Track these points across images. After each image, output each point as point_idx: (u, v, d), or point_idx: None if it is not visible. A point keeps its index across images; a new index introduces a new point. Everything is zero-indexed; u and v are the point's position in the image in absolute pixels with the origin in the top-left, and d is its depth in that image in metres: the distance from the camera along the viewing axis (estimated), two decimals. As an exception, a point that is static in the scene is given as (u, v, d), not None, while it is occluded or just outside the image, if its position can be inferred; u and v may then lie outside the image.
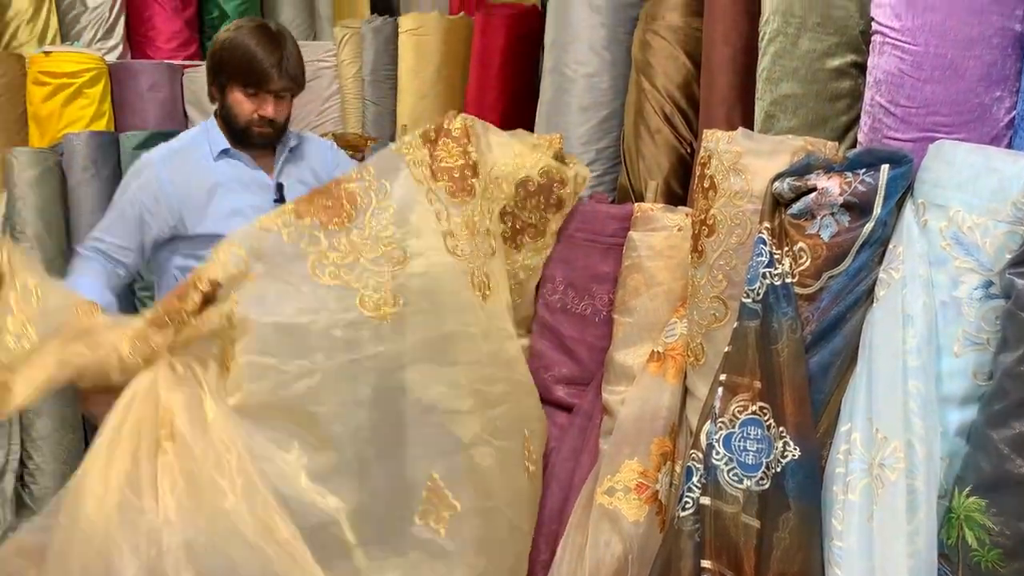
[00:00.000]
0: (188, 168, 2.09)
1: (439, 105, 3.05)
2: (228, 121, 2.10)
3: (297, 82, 2.09)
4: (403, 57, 3.10)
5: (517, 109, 2.79)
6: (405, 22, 3.07)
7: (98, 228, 2.12)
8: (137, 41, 3.89)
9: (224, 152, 2.12)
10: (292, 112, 3.37)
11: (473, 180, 1.91)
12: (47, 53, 3.41)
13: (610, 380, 2.01)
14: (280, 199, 2.13)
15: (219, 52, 2.07)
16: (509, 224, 2.03)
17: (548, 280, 2.12)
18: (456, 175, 1.88)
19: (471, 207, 1.89)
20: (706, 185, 1.77)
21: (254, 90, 2.02)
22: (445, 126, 1.92)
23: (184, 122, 3.64)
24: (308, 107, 3.62)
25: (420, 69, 3.04)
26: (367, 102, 3.37)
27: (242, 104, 2.04)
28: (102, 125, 3.47)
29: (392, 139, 3.26)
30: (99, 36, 3.76)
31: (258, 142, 2.11)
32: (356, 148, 3.10)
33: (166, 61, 3.72)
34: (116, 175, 3.23)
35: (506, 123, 2.73)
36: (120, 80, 3.57)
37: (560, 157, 2.19)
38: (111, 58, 3.69)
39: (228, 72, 2.05)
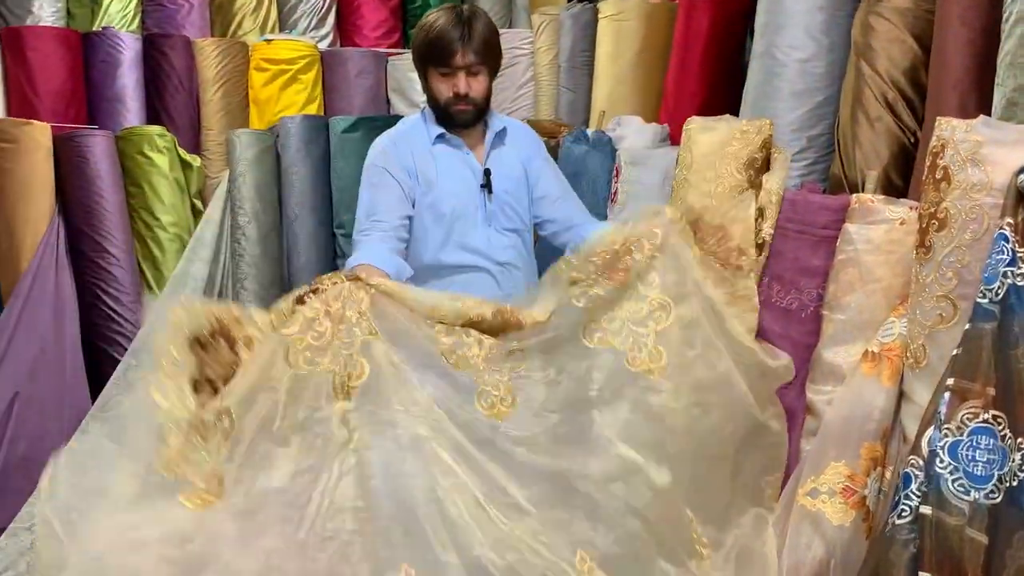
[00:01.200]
0: (413, 151, 2.15)
1: (637, 91, 3.03)
2: (433, 106, 2.16)
3: (485, 57, 2.08)
4: (601, 43, 3.10)
5: (718, 95, 2.72)
6: (606, 7, 3.07)
7: (364, 213, 2.12)
8: (346, 30, 4.11)
9: (440, 137, 2.16)
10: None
11: None
12: (268, 41, 3.66)
13: (816, 379, 1.93)
14: (487, 184, 2.17)
15: (415, 38, 2.14)
16: None
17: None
18: None
19: None
20: (938, 176, 1.65)
21: (445, 68, 2.05)
22: None
23: (387, 108, 3.81)
24: (503, 94, 3.69)
25: (619, 55, 3.03)
26: (562, 89, 3.39)
27: (438, 85, 2.09)
28: (314, 109, 3.70)
29: (585, 125, 3.27)
30: (312, 25, 4.00)
31: (460, 121, 2.13)
32: (551, 135, 3.13)
33: (372, 49, 3.90)
34: (325, 157, 3.44)
35: (706, 109, 2.68)
36: (330, 67, 3.78)
37: (768, 145, 2.12)
38: (323, 46, 3.92)
39: (423, 55, 2.10)
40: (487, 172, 2.18)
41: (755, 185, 2.10)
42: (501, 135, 2.24)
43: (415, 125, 2.21)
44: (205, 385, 1.53)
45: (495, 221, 2.19)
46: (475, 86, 2.09)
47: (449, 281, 2.14)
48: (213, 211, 3.38)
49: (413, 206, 2.15)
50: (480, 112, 2.15)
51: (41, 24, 3.53)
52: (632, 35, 3.01)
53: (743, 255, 2.01)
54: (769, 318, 2.02)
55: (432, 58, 2.07)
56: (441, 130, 2.16)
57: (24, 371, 2.89)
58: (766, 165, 2.12)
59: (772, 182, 2.03)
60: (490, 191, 2.16)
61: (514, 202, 2.21)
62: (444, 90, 2.09)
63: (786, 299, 2.00)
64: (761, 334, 2.03)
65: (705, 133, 2.18)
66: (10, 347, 2.90)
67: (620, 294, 1.76)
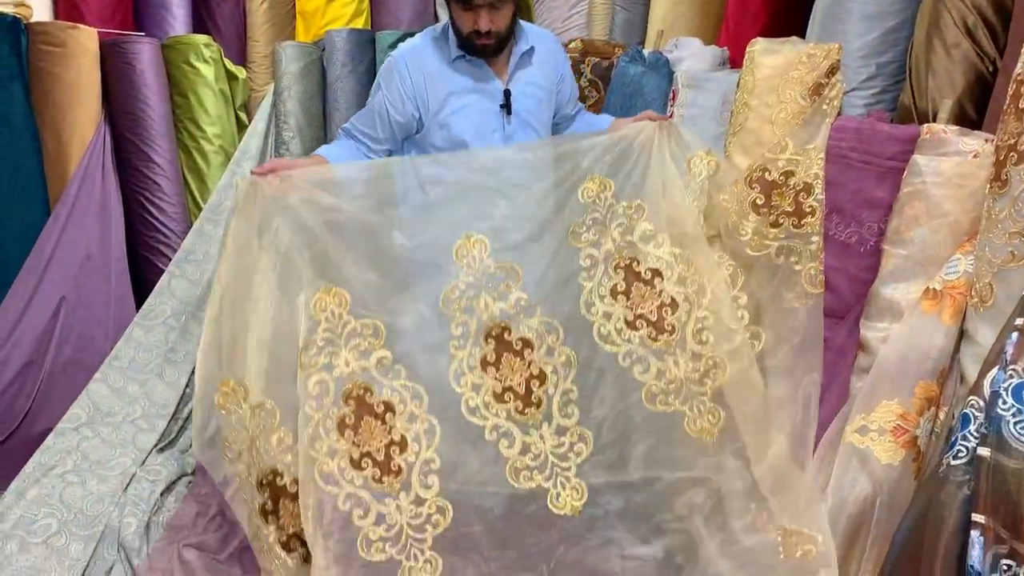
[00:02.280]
0: (429, 67, 2.06)
1: (696, 12, 2.91)
2: (456, 32, 2.05)
3: None
4: (660, -39, 2.96)
5: (782, 17, 2.60)
6: (667, -77, 2.93)
7: (356, 116, 2.18)
8: (395, -59, 3.97)
9: (461, 56, 2.06)
10: (540, 18, 3.36)
11: None
12: (316, -50, 3.56)
13: (872, 315, 1.87)
14: (506, 105, 2.07)
15: None
16: None
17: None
18: None
19: None
20: (1021, 106, 1.56)
21: (466, 4, 1.94)
22: None
23: (434, 22, 3.70)
24: (555, 13, 3.56)
25: (678, -26, 2.90)
26: (617, 8, 3.27)
27: (461, 18, 1.99)
28: (360, 23, 3.60)
29: (641, 45, 3.15)
30: (361, -65, 3.87)
31: (481, 54, 2.03)
32: (604, 55, 3.02)
33: (421, -38, 3.78)
34: (371, 71, 3.36)
35: (770, 31, 2.56)
36: (379, -21, 3.67)
37: (835, 70, 2.02)
38: (371, -42, 3.80)
39: None
40: (507, 93, 2.06)
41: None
42: (528, 54, 2.11)
43: (437, 39, 2.10)
44: None
45: (513, 142, 2.09)
46: (497, 21, 1.97)
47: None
48: (258, 124, 3.34)
49: (398, 131, 2.09)
50: (502, 43, 2.03)
51: (87, -74, 3.45)
52: (693, -47, 2.87)
53: (810, 195, 1.94)
54: (828, 251, 1.96)
55: None
56: (460, 51, 2.05)
57: (70, 276, 2.91)
58: (832, 91, 2.03)
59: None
60: (509, 112, 2.05)
61: (535, 122, 2.12)
62: (466, 24, 1.98)
63: (845, 232, 1.94)
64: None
65: (769, 56, 2.08)
66: (56, 252, 2.92)
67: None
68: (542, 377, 1.83)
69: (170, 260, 3.03)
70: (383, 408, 1.73)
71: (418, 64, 2.05)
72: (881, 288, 1.85)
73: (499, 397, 1.80)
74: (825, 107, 2.02)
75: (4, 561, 2.01)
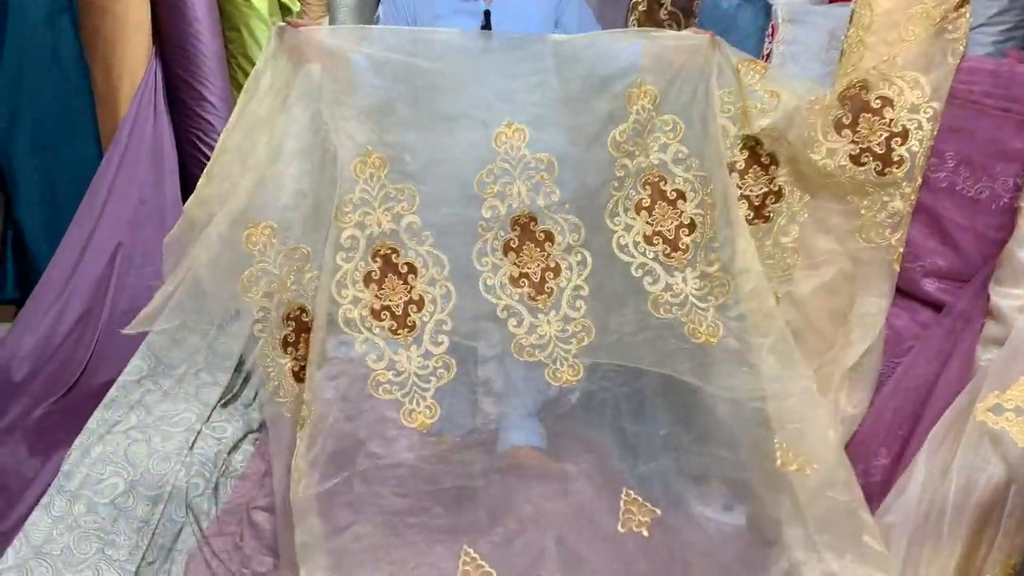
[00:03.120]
0: None
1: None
2: None
3: None
4: None
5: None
6: None
7: None
8: None
9: None
10: None
11: None
12: None
13: (1003, 280, 1.70)
14: (487, 26, 2.07)
15: None
16: None
17: (933, 154, 1.80)
18: None
19: None
20: None
21: None
22: None
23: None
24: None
25: None
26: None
27: None
28: (419, -49, 3.40)
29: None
30: None
31: None
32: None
33: None
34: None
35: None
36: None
37: (964, 1, 1.81)
38: None
39: None
40: (487, 14, 2.08)
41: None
42: None
43: None
44: None
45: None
46: None
47: None
48: (312, 60, 3.19)
49: None
50: None
51: None
52: None
53: (905, 141, 1.77)
54: (953, 207, 1.78)
55: None
56: None
57: (125, 221, 2.81)
58: (958, 26, 1.82)
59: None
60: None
61: None
62: None
63: (975, 187, 1.76)
64: (940, 225, 1.81)
65: (891, -13, 1.87)
66: (111, 196, 2.82)
67: None
68: (557, 270, 1.96)
69: (226, 205, 2.92)
70: (406, 269, 1.92)
71: None
72: (1018, 250, 1.67)
73: (515, 281, 1.95)
74: (950, 44, 1.82)
75: (73, 523, 1.95)
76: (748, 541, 1.92)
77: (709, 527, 1.95)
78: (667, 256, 1.98)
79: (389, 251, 1.91)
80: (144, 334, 2.50)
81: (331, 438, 1.90)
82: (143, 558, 1.94)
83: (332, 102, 1.90)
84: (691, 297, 1.97)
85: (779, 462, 1.86)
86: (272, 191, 1.93)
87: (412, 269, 1.92)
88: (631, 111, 1.94)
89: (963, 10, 1.81)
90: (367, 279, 1.89)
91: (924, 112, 1.78)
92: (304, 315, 1.95)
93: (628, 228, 1.99)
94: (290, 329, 1.96)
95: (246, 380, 2.50)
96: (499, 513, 1.95)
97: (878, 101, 1.82)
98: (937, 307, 1.83)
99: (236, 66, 3.11)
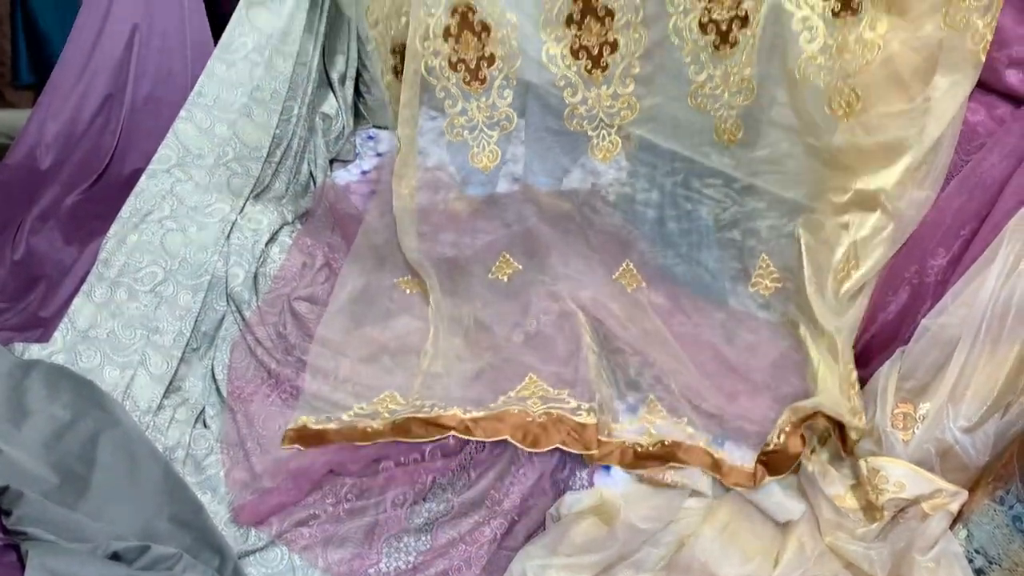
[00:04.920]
0: None
1: None
2: None
3: None
4: None
5: None
6: None
7: None
8: None
9: None
10: None
11: None
12: None
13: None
14: None
15: None
16: None
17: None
18: None
19: None
20: None
21: None
22: None
23: None
24: None
25: None
26: None
27: None
28: None
29: None
30: None
31: None
32: None
33: None
34: None
35: None
36: None
37: None
38: None
39: None
40: None
41: None
42: None
43: None
44: None
45: None
46: None
47: None
48: None
49: None
50: None
51: None
52: None
53: None
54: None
55: None
56: None
57: (141, 1, 2.65)
58: None
59: None
60: None
61: None
62: None
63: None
64: None
65: None
66: (122, -28, 2.64)
67: None
68: (615, 45, 2.06)
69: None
70: (481, 27, 2.09)
71: None
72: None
73: (575, 53, 2.08)
74: None
75: (116, 309, 1.96)
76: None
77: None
78: (716, 47, 1.98)
79: (466, 9, 2.07)
80: (169, 120, 2.42)
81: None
82: (187, 345, 1.95)
83: None
84: (725, 92, 2.02)
85: None
86: None
87: (486, 27, 2.08)
88: None
89: None
90: (446, 33, 2.09)
91: None
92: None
93: (686, 12, 1.99)
94: (397, 59, 2.30)
95: (276, 173, 2.44)
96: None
97: None
98: (1019, 101, 1.71)
99: None
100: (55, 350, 1.88)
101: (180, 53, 2.67)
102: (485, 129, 2.19)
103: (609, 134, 2.16)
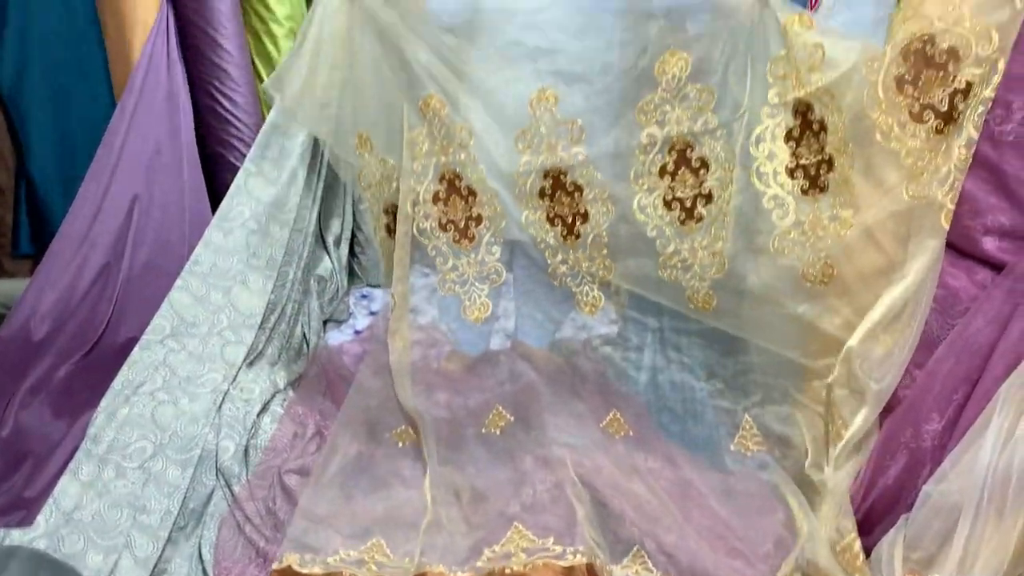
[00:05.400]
0: None
1: None
2: None
3: None
4: None
5: None
6: None
7: None
8: None
9: None
10: None
11: None
12: None
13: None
14: None
15: None
16: None
17: (999, 105, 1.69)
18: None
19: None
20: None
21: None
22: None
23: None
24: None
25: None
26: None
27: None
28: None
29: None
30: None
31: None
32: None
33: None
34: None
35: None
36: None
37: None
38: None
39: None
40: None
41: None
42: None
43: None
44: None
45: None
46: None
47: None
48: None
49: None
50: None
51: None
52: None
53: (967, 97, 1.68)
54: (1017, 163, 1.69)
55: None
56: None
57: (141, 172, 2.73)
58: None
59: None
60: None
61: None
62: None
63: (1045, 141, 1.65)
64: (1003, 181, 1.72)
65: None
66: (125, 146, 2.73)
67: None
68: (585, 216, 2.16)
69: (243, 155, 2.83)
70: (467, 191, 2.20)
71: None
72: (1089, 210, 1.58)
73: (551, 221, 2.19)
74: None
75: (103, 488, 1.92)
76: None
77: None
78: (681, 223, 2.10)
79: (452, 175, 2.19)
80: (166, 289, 2.45)
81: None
82: (175, 523, 1.91)
83: (402, 37, 2.10)
84: (696, 265, 2.10)
85: None
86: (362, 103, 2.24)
87: (471, 192, 2.20)
88: (661, 78, 2.01)
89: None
90: (435, 198, 2.21)
91: (990, 64, 1.67)
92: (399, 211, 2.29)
93: (650, 190, 2.10)
94: (389, 219, 2.36)
95: (270, 339, 2.46)
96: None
97: (944, 55, 1.70)
98: (997, 267, 1.74)
99: (250, 10, 2.99)
100: (37, 535, 1.83)
101: (179, 223, 2.73)
102: (475, 283, 2.27)
103: (592, 289, 2.24)
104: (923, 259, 1.79)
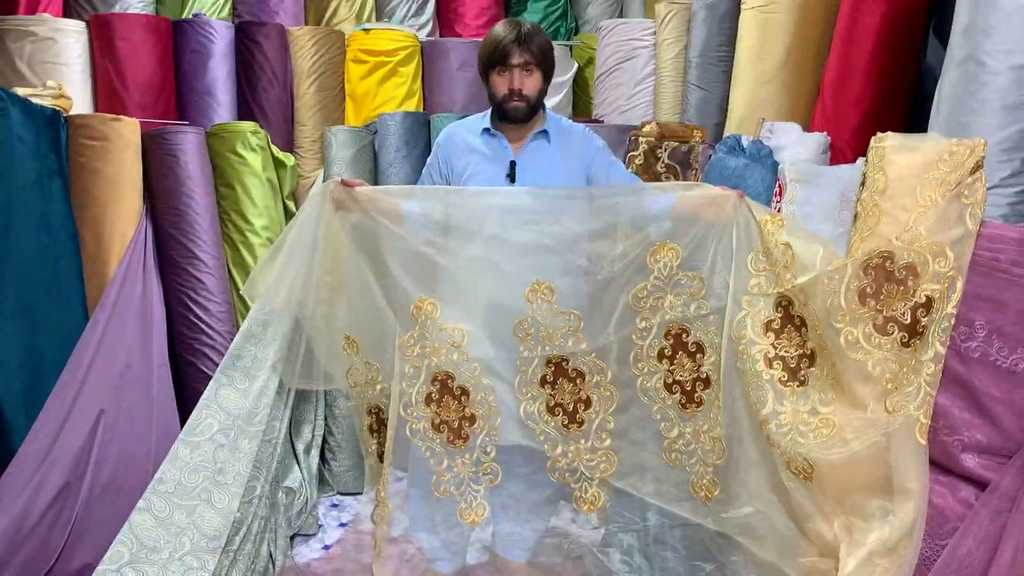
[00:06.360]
0: (460, 141, 2.33)
1: (784, 92, 2.70)
2: (492, 102, 2.29)
3: (539, 59, 2.21)
4: (744, 37, 2.77)
5: (889, 101, 2.38)
6: (750, -2, 2.74)
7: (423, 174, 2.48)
8: (446, 18, 3.83)
9: (486, 130, 2.30)
10: (602, 96, 3.32)
11: None
12: (367, 31, 3.40)
13: (1052, 458, 1.60)
14: (511, 176, 2.25)
15: (480, 50, 2.28)
16: None
17: (963, 322, 1.73)
18: None
19: None
20: None
21: (502, 67, 2.19)
22: None
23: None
24: (618, 91, 3.38)
25: (765, 52, 2.70)
26: (691, 87, 3.07)
27: (496, 83, 2.22)
28: (413, 104, 3.43)
29: (720, 128, 2.94)
30: (411, 13, 3.73)
31: (513, 116, 2.24)
32: (680, 138, 2.81)
33: (475, 39, 3.62)
34: (426, 155, 3.17)
35: (872, 115, 2.35)
36: (431, 58, 3.51)
37: (980, 167, 1.78)
38: (422, 35, 3.64)
39: (485, 60, 2.24)
40: (512, 164, 2.25)
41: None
42: (543, 134, 2.30)
43: (476, 119, 2.37)
44: None
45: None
46: (529, 84, 2.21)
47: None
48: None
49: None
50: (532, 109, 2.25)
51: (130, 12, 3.32)
52: (781, 29, 2.67)
53: (929, 311, 1.72)
54: (988, 380, 1.70)
55: (491, 60, 2.22)
56: (489, 125, 2.30)
57: (110, 387, 2.68)
58: (975, 191, 1.79)
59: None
60: (512, 181, 2.23)
61: None
62: (501, 87, 2.22)
63: (1011, 359, 1.68)
64: (976, 398, 1.72)
65: (904, 154, 1.85)
66: (95, 360, 2.70)
67: None
68: (588, 402, 2.17)
69: (215, 364, 2.81)
70: (460, 392, 2.17)
71: (454, 135, 2.35)
72: (1064, 429, 1.58)
73: (551, 410, 2.18)
74: (968, 209, 1.77)
75: None
76: None
77: None
78: (683, 406, 2.13)
79: (445, 376, 2.16)
80: (127, 509, 2.34)
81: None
82: None
83: (385, 250, 2.14)
84: (699, 451, 2.12)
85: None
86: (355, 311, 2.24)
87: (464, 391, 2.16)
88: (653, 267, 2.07)
89: (978, 175, 1.77)
90: (427, 400, 2.16)
91: (947, 281, 1.72)
92: (381, 412, 2.29)
93: (651, 374, 2.14)
94: (372, 419, 2.34)
95: (234, 562, 2.33)
96: None
97: (903, 271, 1.76)
98: (978, 483, 1.72)
99: (229, 223, 3.06)
100: None
101: (145, 437, 2.66)
102: (471, 484, 2.20)
103: (591, 486, 2.19)
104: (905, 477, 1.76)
